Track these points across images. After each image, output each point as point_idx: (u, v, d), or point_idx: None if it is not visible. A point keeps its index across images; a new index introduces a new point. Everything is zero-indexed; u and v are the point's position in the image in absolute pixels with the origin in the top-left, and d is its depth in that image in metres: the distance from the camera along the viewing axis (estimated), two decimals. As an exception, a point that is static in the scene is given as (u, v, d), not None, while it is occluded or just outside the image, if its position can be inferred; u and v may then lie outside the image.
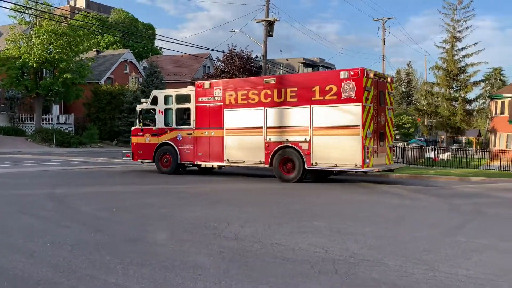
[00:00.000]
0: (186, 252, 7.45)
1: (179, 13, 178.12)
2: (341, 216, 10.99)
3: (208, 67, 69.90)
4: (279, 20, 36.20)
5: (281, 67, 71.64)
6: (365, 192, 16.26)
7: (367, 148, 16.44)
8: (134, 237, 8.59)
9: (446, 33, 46.98)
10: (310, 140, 17.41)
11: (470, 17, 46.07)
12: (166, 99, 21.30)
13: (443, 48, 47.13)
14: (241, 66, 62.80)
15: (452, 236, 8.48)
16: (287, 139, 17.95)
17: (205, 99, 20.00)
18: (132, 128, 22.65)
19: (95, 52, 61.66)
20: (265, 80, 18.80)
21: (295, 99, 17.82)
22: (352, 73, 16.67)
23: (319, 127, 17.25)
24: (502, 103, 48.94)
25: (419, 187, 17.77)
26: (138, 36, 66.42)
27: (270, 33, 35.63)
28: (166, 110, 21.23)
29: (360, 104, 16.39)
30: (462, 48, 46.57)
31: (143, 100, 22.26)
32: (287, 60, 77.15)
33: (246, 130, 18.95)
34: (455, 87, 46.96)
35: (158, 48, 76.61)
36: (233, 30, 55.59)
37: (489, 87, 79.86)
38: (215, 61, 67.72)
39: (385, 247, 7.73)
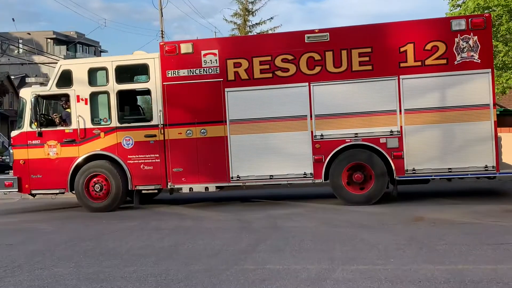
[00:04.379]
0: None
1: None
2: (92, 252, 8.22)
3: None
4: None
5: (20, 44, 58.54)
6: (135, 215, 11.80)
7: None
8: None
9: (237, 4, 41.60)
10: (401, 132, 10.98)
11: (263, -16, 41.20)
12: (93, 75, 11.80)
13: (234, 23, 41.66)
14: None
15: (238, 264, 7.21)
16: (356, 134, 11.11)
17: (183, 72, 11.53)
18: (15, 133, 12.21)
19: None
20: (309, 37, 11.13)
21: (368, 67, 11.08)
22: (474, 21, 10.85)
23: (416, 111, 11.03)
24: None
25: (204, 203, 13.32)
26: None
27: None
28: (94, 95, 11.88)
29: (490, 70, 10.84)
30: (257, 23, 41.68)
31: (36, 79, 12.26)
32: (29, 34, 63.31)
33: (273, 124, 11.44)
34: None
35: None
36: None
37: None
38: None
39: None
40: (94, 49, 74.53)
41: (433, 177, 11.21)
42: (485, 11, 23.86)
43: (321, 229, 9.60)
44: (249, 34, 39.11)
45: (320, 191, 13.96)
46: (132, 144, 11.67)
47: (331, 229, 9.52)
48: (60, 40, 67.83)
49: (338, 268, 6.63)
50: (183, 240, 9.06)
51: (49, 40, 67.33)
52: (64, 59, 62.61)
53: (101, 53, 77.33)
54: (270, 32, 39.12)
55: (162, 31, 40.66)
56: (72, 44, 67.34)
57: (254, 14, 41.89)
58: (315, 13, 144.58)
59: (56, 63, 55.07)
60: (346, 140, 11.12)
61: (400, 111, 10.98)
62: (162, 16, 40.77)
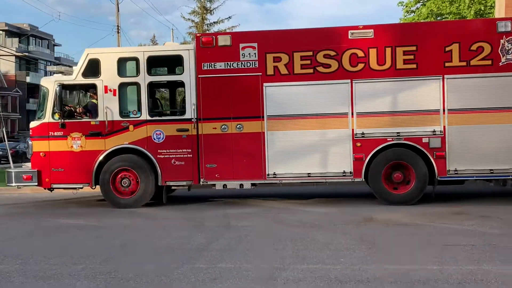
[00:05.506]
0: None
1: None
2: (40, 250, 8.04)
3: None
4: None
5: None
6: (86, 212, 11.70)
7: None
8: None
9: (196, 2, 40.75)
10: (444, 132, 10.87)
11: (221, -17, 40.58)
12: (123, 65, 11.21)
13: (192, 21, 41.07)
14: None
15: (189, 262, 7.19)
16: (398, 133, 10.91)
17: (219, 65, 11.09)
18: (35, 124, 11.43)
19: None
20: (353, 33, 10.92)
21: (413, 65, 10.92)
22: None
23: (460, 111, 10.90)
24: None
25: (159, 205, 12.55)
26: None
27: None
28: (123, 86, 11.28)
29: (535, 73, 10.98)
30: (215, 22, 41.17)
31: (57, 67, 11.40)
32: (-22, 25, 61.24)
33: (312, 120, 11.13)
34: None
35: None
36: None
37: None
38: None
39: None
40: (48, 42, 71.74)
41: (474, 178, 11.21)
42: (438, 18, 24.37)
43: (274, 228, 9.58)
44: (207, 32, 38.03)
45: (277, 191, 13.97)
46: (163, 138, 11.16)
47: (284, 228, 9.51)
48: (12, 32, 64.76)
49: (289, 267, 6.63)
50: (135, 239, 8.90)
51: (0, 32, 64.35)
52: (16, 51, 60.08)
53: (55, 47, 74.64)
54: (228, 31, 38.39)
55: (118, 26, 39.51)
56: (25, 36, 64.72)
57: (212, 12, 41.23)
58: (273, 14, 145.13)
59: (8, 55, 52.47)
60: (388, 139, 10.94)
61: (444, 111, 10.86)
62: (118, 11, 39.52)
